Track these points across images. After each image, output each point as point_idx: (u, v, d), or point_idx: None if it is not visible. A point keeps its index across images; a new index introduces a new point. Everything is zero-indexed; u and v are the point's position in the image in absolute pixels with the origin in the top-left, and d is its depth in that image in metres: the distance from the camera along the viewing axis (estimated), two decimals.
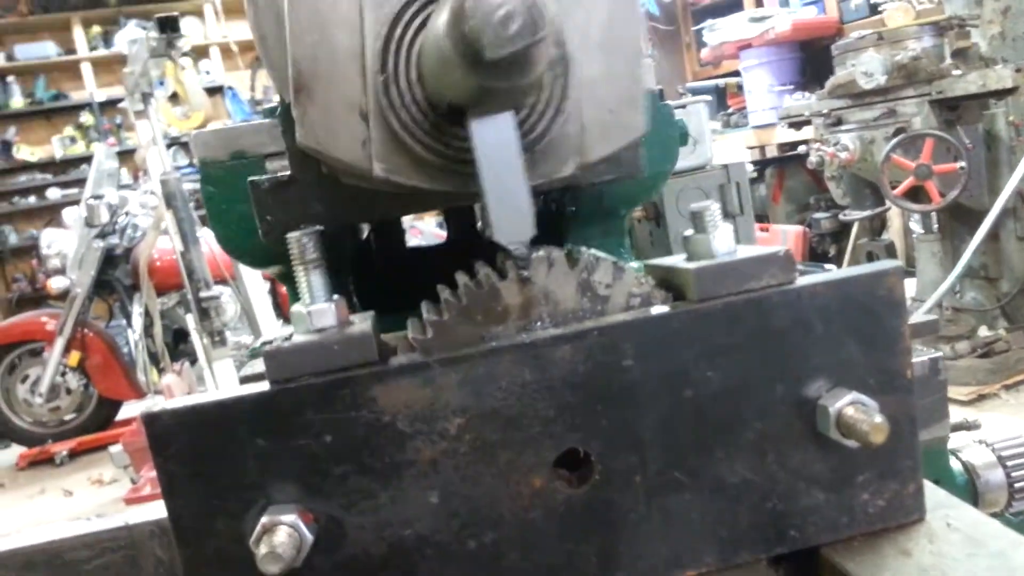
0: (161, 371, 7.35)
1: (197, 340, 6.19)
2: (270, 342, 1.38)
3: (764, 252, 0.64)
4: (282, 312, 7.41)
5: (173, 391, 6.09)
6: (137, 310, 7.56)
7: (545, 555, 0.63)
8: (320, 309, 0.63)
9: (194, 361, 6.72)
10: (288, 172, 1.07)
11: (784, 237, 8.19)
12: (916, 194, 5.14)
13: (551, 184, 0.67)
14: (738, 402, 0.63)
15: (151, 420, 0.57)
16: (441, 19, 0.54)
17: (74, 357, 7.40)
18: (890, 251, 7.21)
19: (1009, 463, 1.39)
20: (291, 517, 0.56)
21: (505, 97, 0.58)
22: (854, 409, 0.62)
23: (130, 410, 7.85)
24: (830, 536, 0.66)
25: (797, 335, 0.64)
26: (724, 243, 0.67)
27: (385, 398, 0.59)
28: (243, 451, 0.58)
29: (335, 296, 0.65)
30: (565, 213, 1.38)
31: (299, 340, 0.60)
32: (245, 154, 1.24)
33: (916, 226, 6.01)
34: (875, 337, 0.65)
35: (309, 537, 0.57)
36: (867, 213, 6.98)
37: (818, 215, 8.43)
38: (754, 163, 9.37)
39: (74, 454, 7.40)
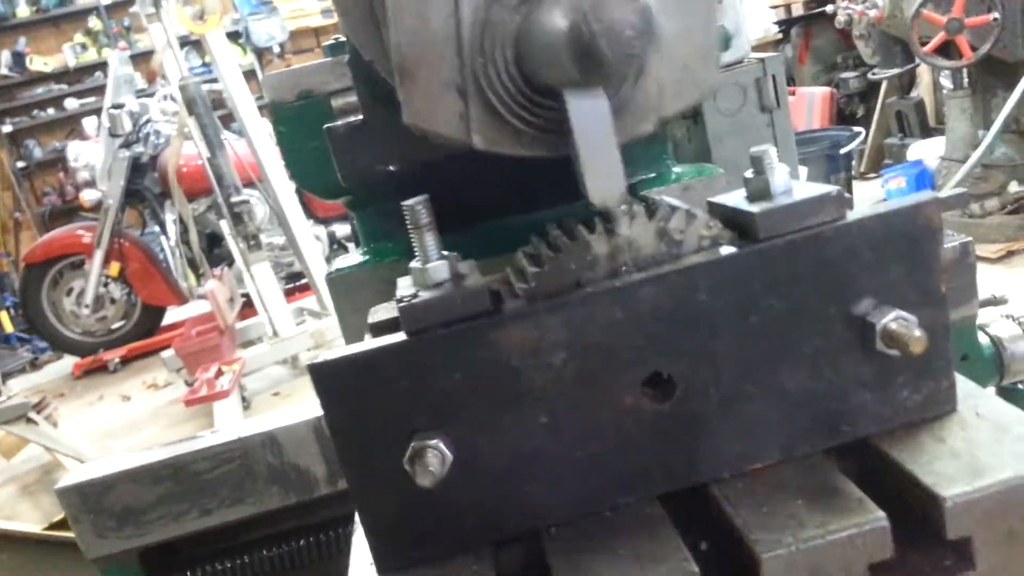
0: (200, 276, 7.57)
1: (233, 245, 6.33)
2: (341, 270, 1.49)
3: (819, 192, 0.73)
4: (311, 212, 7.52)
5: (216, 296, 6.31)
6: (170, 217, 7.70)
7: (640, 458, 0.76)
8: (436, 266, 0.75)
9: (231, 264, 6.91)
10: (358, 113, 1.17)
11: (811, 100, 8.06)
12: (947, 49, 5.04)
13: (633, 140, 0.76)
14: (798, 323, 0.74)
15: (316, 369, 0.70)
16: (553, 17, 0.62)
17: (114, 267, 7.63)
18: (919, 109, 7.11)
19: None
20: (435, 441, 0.70)
21: (605, 81, 0.67)
22: (897, 324, 0.73)
23: (174, 315, 8.15)
24: (876, 428, 0.78)
25: (848, 263, 0.74)
26: (781, 183, 0.76)
27: (502, 341, 0.71)
28: (390, 390, 0.71)
29: (446, 253, 0.76)
30: None
31: (425, 296, 0.72)
32: (311, 93, 1.31)
33: (946, 82, 5.90)
34: (914, 260, 0.75)
35: (450, 456, 0.70)
36: (896, 71, 6.85)
37: (846, 75, 8.26)
38: (779, 23, 9.09)
39: (126, 360, 7.76)
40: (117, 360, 7.77)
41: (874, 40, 6.59)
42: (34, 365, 8.57)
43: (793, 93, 8.00)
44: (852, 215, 0.74)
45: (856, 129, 6.63)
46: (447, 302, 0.71)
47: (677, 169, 1.52)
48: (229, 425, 1.45)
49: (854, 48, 7.93)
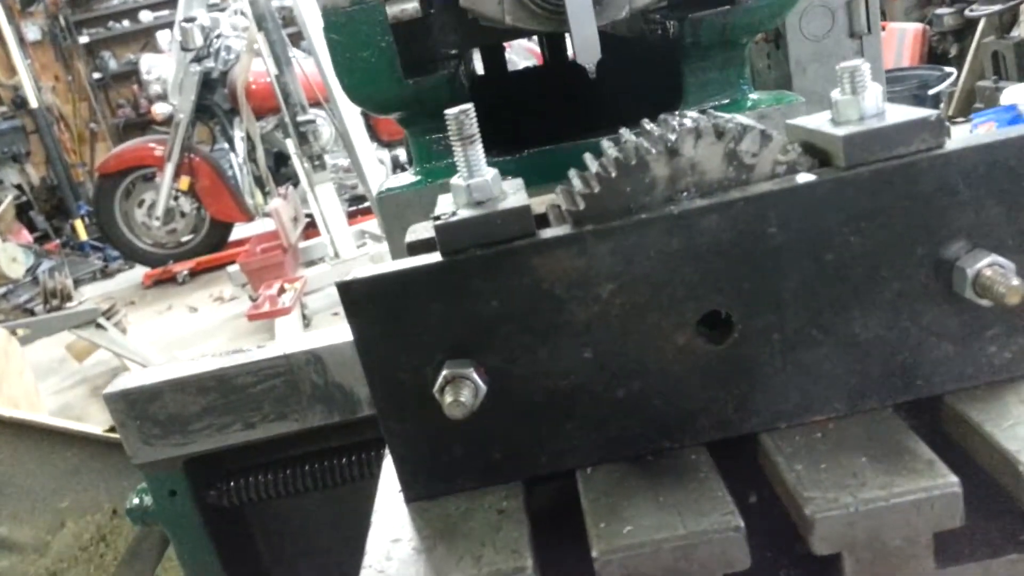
0: (267, 194, 7.66)
1: (298, 164, 6.37)
2: (391, 189, 1.45)
3: (914, 116, 0.64)
4: (376, 135, 7.50)
5: (281, 214, 6.38)
6: (238, 135, 7.78)
7: (686, 402, 0.70)
8: (479, 183, 0.68)
9: (296, 184, 6.97)
10: (414, 11, 1.16)
11: (901, 36, 7.60)
12: None
13: (612, 25, 1.03)
14: (877, 264, 0.67)
15: (345, 287, 0.65)
16: None
17: (184, 182, 7.78)
18: (1019, 49, 6.64)
19: None
20: (469, 370, 0.65)
21: None
22: (992, 271, 0.64)
23: (241, 231, 8.30)
24: (955, 385, 0.71)
25: (941, 199, 0.65)
26: (872, 105, 0.67)
27: (544, 267, 0.65)
28: (422, 313, 0.66)
29: (491, 169, 0.70)
30: (684, 44, 1.35)
31: (465, 215, 0.66)
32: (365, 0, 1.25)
33: None
34: (1017, 199, 0.65)
35: (483, 387, 0.66)
36: (997, 7, 6.39)
37: (941, 11, 7.75)
38: None
39: (194, 273, 7.98)
40: (186, 272, 7.99)
41: None
42: (106, 273, 8.88)
43: (883, 28, 7.54)
44: (950, 145, 0.65)
45: (947, 69, 6.23)
46: (487, 222, 0.65)
47: (754, 96, 1.42)
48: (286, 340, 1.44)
49: None
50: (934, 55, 7.74)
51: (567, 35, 1.03)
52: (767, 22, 1.38)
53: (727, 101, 1.41)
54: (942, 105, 6.50)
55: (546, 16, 1.02)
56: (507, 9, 1.00)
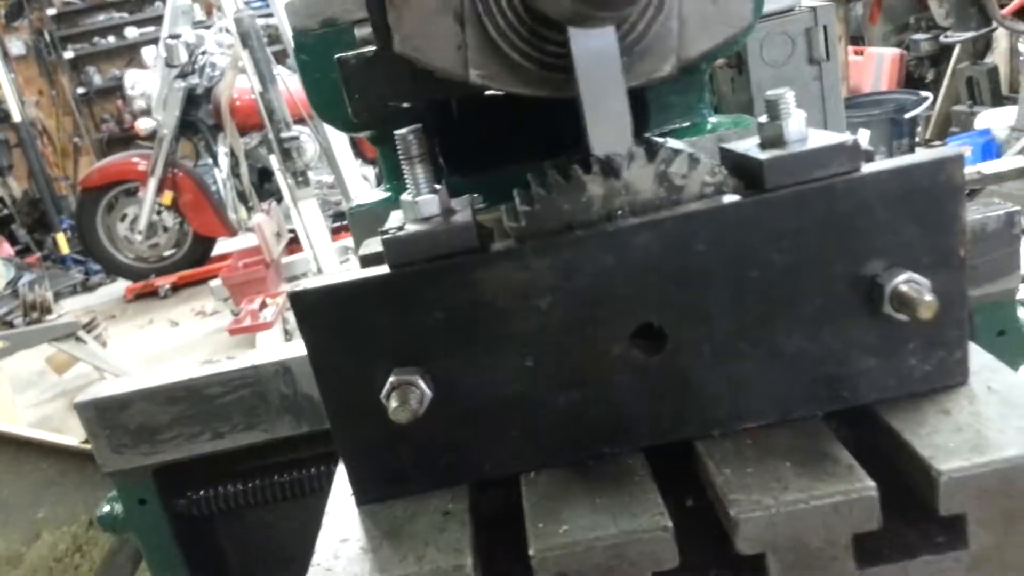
0: (250, 210, 7.68)
1: (282, 180, 6.38)
2: (362, 205, 1.48)
3: (833, 141, 0.69)
4: (359, 151, 7.53)
5: (264, 229, 6.39)
6: (222, 150, 7.80)
7: (623, 410, 0.73)
8: (426, 200, 0.72)
9: (280, 199, 6.99)
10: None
11: (879, 61, 7.74)
12: None
13: (649, 84, 0.69)
14: (800, 281, 0.71)
15: (297, 297, 0.69)
16: None
17: (167, 196, 7.78)
18: (992, 76, 6.78)
19: None
20: (415, 377, 0.68)
21: (608, 18, 0.60)
22: (908, 287, 0.68)
23: (224, 246, 8.30)
24: (878, 396, 0.75)
25: (860, 219, 0.69)
26: (796, 130, 0.71)
27: (486, 280, 0.69)
28: (371, 323, 0.69)
29: (438, 186, 0.74)
30: None
31: (412, 229, 0.70)
32: (336, 21, 1.28)
33: None
34: (933, 220, 0.70)
35: (429, 393, 0.69)
36: (970, 35, 6.53)
37: (917, 37, 7.91)
38: None
39: (176, 287, 7.97)
40: (167, 286, 7.98)
41: (949, 1, 6.28)
42: (87, 286, 8.85)
43: (861, 53, 7.69)
44: (868, 168, 0.69)
45: (924, 93, 6.36)
46: (433, 237, 0.69)
47: (713, 119, 1.46)
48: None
49: (927, 9, 7.57)
50: (911, 80, 7.89)
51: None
52: (724, 50, 1.43)
53: (688, 125, 1.45)
54: (919, 129, 6.63)
55: (537, 75, 0.68)
56: (472, 60, 0.67)
